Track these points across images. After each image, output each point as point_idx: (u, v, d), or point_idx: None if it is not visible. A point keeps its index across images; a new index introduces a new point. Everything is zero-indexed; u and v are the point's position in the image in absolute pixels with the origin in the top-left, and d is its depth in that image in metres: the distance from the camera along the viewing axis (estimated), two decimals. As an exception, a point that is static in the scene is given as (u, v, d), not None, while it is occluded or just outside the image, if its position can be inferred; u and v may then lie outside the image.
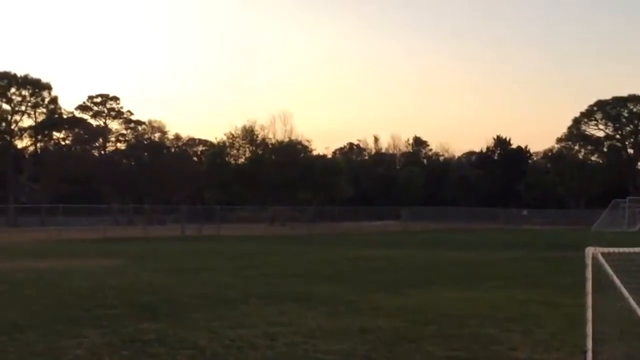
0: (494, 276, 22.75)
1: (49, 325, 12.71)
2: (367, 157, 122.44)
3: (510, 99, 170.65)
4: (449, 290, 18.47)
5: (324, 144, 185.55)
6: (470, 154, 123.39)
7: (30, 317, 13.68)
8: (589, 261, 7.48)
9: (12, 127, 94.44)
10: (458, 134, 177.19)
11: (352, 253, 34.03)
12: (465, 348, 10.87)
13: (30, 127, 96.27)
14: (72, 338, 11.44)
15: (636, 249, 8.36)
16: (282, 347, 10.95)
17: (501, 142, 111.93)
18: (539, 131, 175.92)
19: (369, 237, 50.73)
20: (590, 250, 7.52)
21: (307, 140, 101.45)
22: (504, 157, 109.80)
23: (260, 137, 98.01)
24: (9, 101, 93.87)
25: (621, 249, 8.05)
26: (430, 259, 30.22)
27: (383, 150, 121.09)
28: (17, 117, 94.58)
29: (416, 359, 10.13)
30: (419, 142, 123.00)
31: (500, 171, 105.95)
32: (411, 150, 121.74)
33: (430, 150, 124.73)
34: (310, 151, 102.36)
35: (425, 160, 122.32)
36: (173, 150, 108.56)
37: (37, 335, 11.73)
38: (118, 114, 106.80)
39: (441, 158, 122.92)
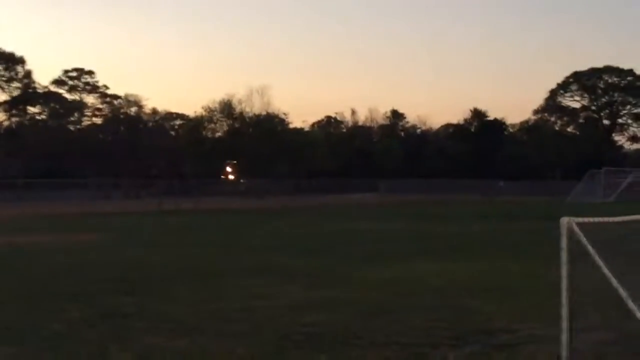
0: (472, 247, 22.90)
1: (27, 301, 12.70)
2: (344, 130, 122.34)
3: (487, 71, 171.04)
4: (429, 262, 18.58)
5: (301, 118, 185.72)
6: (448, 126, 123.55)
7: (7, 293, 13.66)
8: (564, 231, 7.55)
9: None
10: (436, 107, 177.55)
11: (331, 226, 34.10)
12: (444, 319, 10.97)
13: (4, 102, 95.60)
14: (51, 313, 11.45)
15: (610, 219, 8.44)
16: (262, 319, 11.01)
17: (478, 114, 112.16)
18: (515, 103, 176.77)
19: (348, 210, 50.83)
20: (565, 220, 7.59)
21: (284, 114, 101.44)
22: (481, 129, 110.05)
23: (237, 111, 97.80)
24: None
25: (595, 219, 8.13)
26: (410, 231, 30.34)
27: (360, 124, 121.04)
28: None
29: (396, 330, 10.21)
30: (396, 115, 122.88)
31: (477, 143, 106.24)
32: (388, 123, 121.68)
33: (408, 122, 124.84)
34: (288, 124, 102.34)
35: (402, 133, 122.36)
36: (150, 124, 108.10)
37: (15, 311, 11.74)
38: (94, 89, 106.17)
39: (419, 130, 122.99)
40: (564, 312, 7.62)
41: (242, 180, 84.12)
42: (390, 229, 31.81)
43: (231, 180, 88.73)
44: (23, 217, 41.01)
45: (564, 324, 7.61)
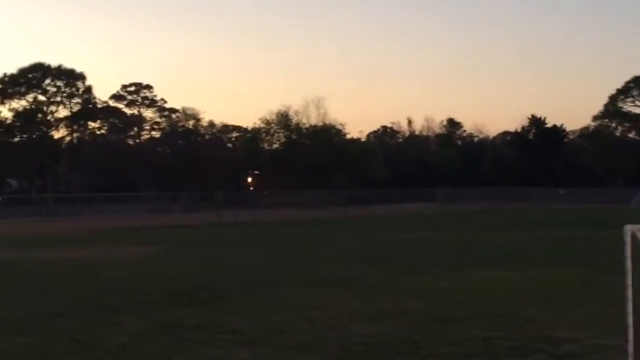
0: (531, 256, 22.67)
1: (90, 313, 12.86)
2: (401, 140, 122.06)
3: (545, 77, 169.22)
4: (485, 271, 18.42)
5: (357, 128, 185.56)
6: (505, 134, 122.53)
7: (71, 305, 13.85)
8: (627, 239, 7.41)
9: (49, 117, 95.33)
10: (492, 114, 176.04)
11: (387, 236, 34.01)
12: (502, 328, 10.85)
13: (65, 118, 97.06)
14: (113, 325, 11.57)
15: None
16: (320, 330, 10.99)
17: (536, 121, 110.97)
18: (574, 109, 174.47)
19: (404, 220, 50.65)
20: (628, 228, 7.45)
21: (341, 125, 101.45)
22: (539, 136, 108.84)
23: (294, 123, 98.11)
24: (44, 92, 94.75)
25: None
26: (466, 240, 30.12)
27: (417, 133, 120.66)
28: (52, 108, 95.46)
29: (454, 340, 10.12)
30: (453, 124, 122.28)
31: (536, 150, 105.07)
32: (445, 132, 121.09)
33: (465, 131, 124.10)
34: (344, 135, 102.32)
35: (459, 142, 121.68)
36: (207, 137, 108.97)
37: (79, 323, 11.87)
38: (152, 103, 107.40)
39: (475, 139, 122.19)
40: (630, 320, 7.48)
41: (264, 192, 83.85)
42: (446, 238, 31.62)
43: (252, 192, 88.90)
44: (84, 231, 41.58)
45: (631, 334, 7.47)
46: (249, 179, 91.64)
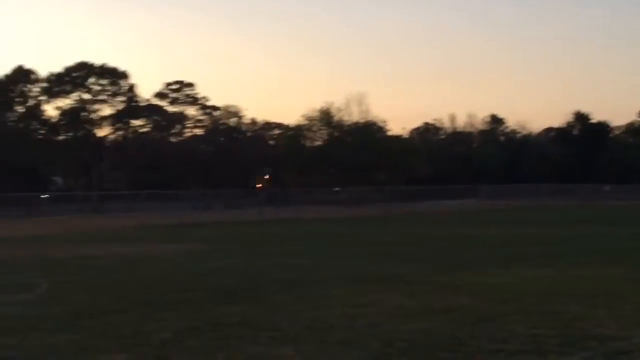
0: (575, 253, 22.44)
1: (135, 310, 12.94)
2: (443, 137, 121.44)
3: (590, 72, 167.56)
4: (529, 268, 18.27)
5: (400, 125, 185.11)
6: (549, 130, 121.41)
7: (116, 302, 13.95)
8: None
9: (92, 116, 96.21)
10: (536, 110, 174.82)
11: (429, 233, 33.87)
12: (548, 325, 10.74)
13: (109, 116, 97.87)
14: (158, 321, 11.63)
15: None
16: (363, 327, 10.95)
17: (581, 117, 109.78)
18: (619, 105, 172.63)
19: (447, 217, 50.39)
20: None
21: (383, 121, 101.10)
22: (584, 132, 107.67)
23: (336, 119, 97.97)
24: (88, 91, 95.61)
25: None
26: (510, 237, 29.90)
27: (459, 129, 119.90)
28: (96, 106, 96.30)
29: (500, 337, 10.03)
30: (495, 120, 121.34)
31: (580, 147, 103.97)
32: (488, 129, 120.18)
33: (507, 127, 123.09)
34: (386, 132, 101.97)
35: (502, 138, 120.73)
36: (249, 134, 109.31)
37: (124, 319, 11.95)
38: (194, 101, 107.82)
39: (518, 135, 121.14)
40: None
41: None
42: (489, 235, 31.42)
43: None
44: (127, 228, 41.90)
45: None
46: (266, 177, 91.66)
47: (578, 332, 10.26)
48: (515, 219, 44.37)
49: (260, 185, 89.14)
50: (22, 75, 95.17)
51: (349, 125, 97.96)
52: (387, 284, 15.75)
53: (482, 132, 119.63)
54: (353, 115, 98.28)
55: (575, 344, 9.58)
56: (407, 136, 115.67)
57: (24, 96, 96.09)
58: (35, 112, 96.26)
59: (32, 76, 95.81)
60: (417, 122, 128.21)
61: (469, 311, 12.17)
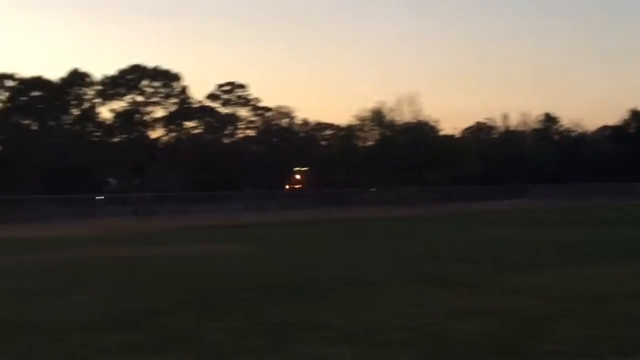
0: (631, 253, 22.11)
1: (190, 310, 13.05)
2: (496, 136, 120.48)
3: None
4: (584, 269, 18.06)
5: (452, 125, 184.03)
6: (604, 128, 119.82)
7: (171, 302, 14.08)
8: None
9: (146, 118, 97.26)
10: (590, 109, 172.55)
11: (483, 233, 33.64)
12: (605, 327, 10.60)
13: (162, 118, 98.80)
14: (212, 322, 11.71)
15: None
16: (419, 327, 10.92)
17: (637, 115, 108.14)
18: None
19: (500, 217, 49.99)
20: None
21: (435, 121, 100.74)
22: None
23: (388, 120, 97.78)
24: (142, 93, 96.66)
25: None
26: (564, 237, 29.58)
27: (512, 128, 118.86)
28: (150, 108, 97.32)
29: (556, 338, 9.94)
30: (549, 119, 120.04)
31: (637, 145, 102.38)
32: (541, 127, 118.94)
33: (562, 126, 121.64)
34: (438, 132, 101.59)
35: (556, 137, 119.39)
36: (301, 135, 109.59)
37: (178, 319, 12.07)
38: (246, 102, 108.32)
39: (573, 134, 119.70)
40: None
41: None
42: (544, 235, 31.10)
43: (298, 190, 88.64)
44: (181, 229, 42.25)
45: None
46: (297, 176, 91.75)
47: (636, 334, 10.13)
48: (570, 219, 43.88)
49: (291, 185, 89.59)
50: (77, 78, 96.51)
51: (401, 125, 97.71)
52: (441, 284, 15.68)
53: (535, 131, 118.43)
54: (405, 115, 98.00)
55: (634, 345, 9.45)
56: (459, 136, 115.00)
57: (79, 99, 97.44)
58: (90, 114, 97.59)
59: (87, 79, 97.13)
60: (470, 122, 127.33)
61: (524, 312, 12.07)
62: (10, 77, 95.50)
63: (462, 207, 63.21)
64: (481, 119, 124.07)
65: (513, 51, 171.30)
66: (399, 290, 14.90)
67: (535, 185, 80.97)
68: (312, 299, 14.11)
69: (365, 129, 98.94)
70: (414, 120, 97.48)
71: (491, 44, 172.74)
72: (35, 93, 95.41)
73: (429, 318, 11.66)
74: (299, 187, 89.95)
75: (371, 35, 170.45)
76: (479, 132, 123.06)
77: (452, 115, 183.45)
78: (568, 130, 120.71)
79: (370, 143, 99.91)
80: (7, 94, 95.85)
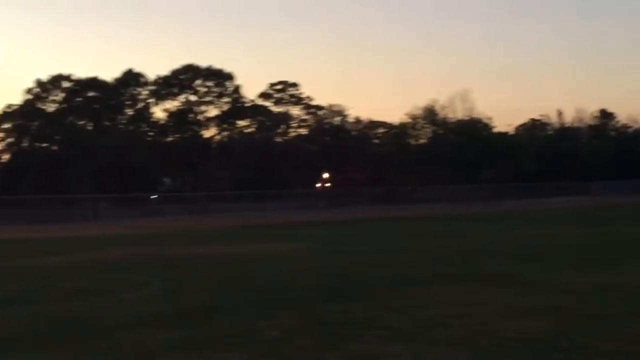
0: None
1: (242, 308, 13.04)
2: (551, 132, 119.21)
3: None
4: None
5: (505, 121, 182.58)
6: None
7: (225, 300, 14.10)
8: None
9: (199, 117, 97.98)
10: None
11: (538, 230, 33.25)
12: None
13: (215, 117, 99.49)
14: (266, 320, 11.69)
15: None
16: (472, 326, 10.78)
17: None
18: None
19: (555, 214, 49.42)
20: None
21: (488, 118, 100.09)
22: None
23: (440, 117, 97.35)
24: (195, 92, 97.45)
25: None
26: (622, 235, 29.06)
27: (567, 125, 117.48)
28: (203, 108, 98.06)
29: (618, 337, 9.72)
30: (605, 114, 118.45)
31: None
32: (597, 123, 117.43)
33: (618, 122, 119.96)
34: (492, 129, 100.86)
35: (613, 133, 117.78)
36: (354, 133, 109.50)
37: (234, 318, 12.06)
38: (298, 100, 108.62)
39: (630, 130, 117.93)
40: None
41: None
42: (601, 233, 30.62)
43: (327, 189, 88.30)
44: (234, 228, 42.46)
45: None
46: (325, 175, 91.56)
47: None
48: (629, 216, 43.20)
49: (320, 184, 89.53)
50: (131, 78, 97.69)
51: (454, 123, 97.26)
52: (496, 283, 15.48)
53: (591, 127, 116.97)
54: (457, 113, 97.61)
55: None
56: (513, 132, 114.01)
57: (134, 99, 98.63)
58: (144, 114, 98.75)
59: (141, 79, 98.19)
60: (524, 118, 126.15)
61: (580, 311, 11.85)
62: (66, 78, 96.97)
63: (517, 204, 62.56)
64: (535, 116, 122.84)
65: (566, 45, 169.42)
66: (451, 289, 14.73)
67: (592, 182, 79.81)
68: (365, 297, 14.01)
69: (418, 126, 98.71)
70: (467, 118, 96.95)
71: (546, 40, 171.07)
72: (91, 94, 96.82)
73: (484, 316, 11.51)
74: (328, 187, 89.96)
75: (423, 33, 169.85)
76: (534, 129, 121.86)
77: (505, 112, 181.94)
78: (625, 126, 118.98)
79: (422, 141, 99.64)
80: (63, 95, 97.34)
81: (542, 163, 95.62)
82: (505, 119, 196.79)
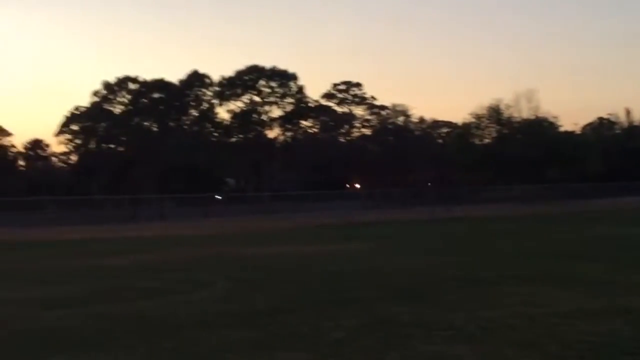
0: None
1: (309, 308, 13.06)
2: (618, 132, 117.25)
3: None
4: None
5: (572, 120, 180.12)
6: None
7: (290, 300, 14.12)
8: None
9: (263, 117, 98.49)
10: None
11: (606, 231, 32.69)
12: None
13: (279, 117, 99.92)
14: (330, 320, 11.68)
15: None
16: (540, 328, 10.64)
17: None
18: None
19: (624, 215, 48.55)
20: None
21: (554, 117, 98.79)
22: None
23: (505, 116, 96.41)
24: (259, 93, 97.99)
25: None
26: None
27: (635, 124, 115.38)
28: (266, 108, 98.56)
29: (688, 341, 9.53)
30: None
31: None
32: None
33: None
34: (558, 128, 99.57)
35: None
36: (417, 133, 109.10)
37: (299, 318, 12.07)
38: (362, 100, 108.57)
39: None
40: None
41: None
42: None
43: (356, 190, 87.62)
44: (298, 228, 42.55)
45: None
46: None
47: None
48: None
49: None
50: (196, 79, 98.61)
51: (519, 122, 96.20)
52: (562, 284, 15.26)
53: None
54: (523, 112, 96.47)
55: None
56: (579, 132, 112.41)
57: (198, 100, 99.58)
58: (208, 115, 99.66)
59: (206, 80, 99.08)
60: (590, 117, 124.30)
61: (652, 312, 11.64)
62: (132, 80, 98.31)
63: (584, 205, 61.63)
64: (603, 115, 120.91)
65: (636, 44, 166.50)
66: (518, 290, 14.56)
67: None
68: (429, 297, 13.93)
69: (482, 126, 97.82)
70: (532, 117, 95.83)
71: (613, 37, 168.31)
72: (156, 95, 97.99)
73: (550, 318, 11.35)
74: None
75: (488, 32, 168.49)
76: (601, 128, 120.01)
77: (572, 111, 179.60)
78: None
79: (487, 140, 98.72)
80: (129, 96, 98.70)
81: (609, 162, 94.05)
82: (571, 118, 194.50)
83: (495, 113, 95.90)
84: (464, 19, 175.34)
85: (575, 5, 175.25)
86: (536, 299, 13.25)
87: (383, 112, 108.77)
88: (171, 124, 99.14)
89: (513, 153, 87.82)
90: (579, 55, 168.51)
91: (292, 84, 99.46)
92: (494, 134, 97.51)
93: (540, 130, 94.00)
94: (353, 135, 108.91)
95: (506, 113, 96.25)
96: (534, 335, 10.12)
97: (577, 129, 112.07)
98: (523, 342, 9.75)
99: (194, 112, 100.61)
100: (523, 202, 68.50)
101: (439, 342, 9.89)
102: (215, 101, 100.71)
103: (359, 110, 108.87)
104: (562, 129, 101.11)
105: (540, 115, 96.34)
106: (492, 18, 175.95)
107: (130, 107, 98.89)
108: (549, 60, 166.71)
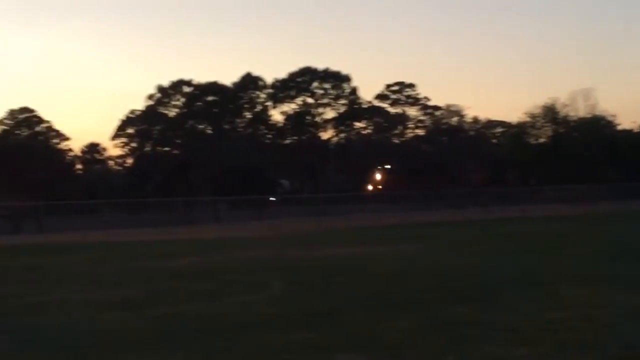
0: None
1: (366, 310, 13.03)
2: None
3: None
4: None
5: (630, 119, 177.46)
6: None
7: (347, 302, 14.11)
8: None
9: (317, 119, 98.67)
10: None
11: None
12: None
13: (332, 119, 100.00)
14: (389, 321, 11.65)
15: None
16: (600, 329, 10.51)
17: None
18: None
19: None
20: None
21: (612, 116, 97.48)
22: None
23: (561, 115, 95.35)
24: (312, 95, 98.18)
25: None
26: None
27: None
28: (320, 110, 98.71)
29: None
30: None
31: None
32: None
33: None
34: (616, 126, 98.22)
35: None
36: (471, 133, 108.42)
37: (356, 319, 12.06)
38: (415, 101, 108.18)
39: None
40: None
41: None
42: None
43: (379, 190, 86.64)
44: (352, 230, 42.54)
45: None
46: (377, 176, 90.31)
47: None
48: None
49: (373, 187, 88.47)
50: (250, 82, 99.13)
51: (575, 121, 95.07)
52: (623, 284, 15.02)
53: None
54: (579, 111, 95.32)
55: None
56: (638, 130, 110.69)
57: (252, 102, 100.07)
58: (262, 117, 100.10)
59: (259, 83, 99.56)
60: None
61: None
62: (187, 83, 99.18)
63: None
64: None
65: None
66: (577, 291, 14.39)
67: None
68: (488, 298, 13.83)
69: (537, 125, 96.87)
70: (589, 116, 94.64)
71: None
72: (210, 98, 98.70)
73: (612, 319, 11.20)
74: (380, 188, 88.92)
75: (542, 32, 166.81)
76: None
77: (630, 109, 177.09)
78: None
79: (542, 140, 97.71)
80: (183, 99, 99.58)
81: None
82: (630, 116, 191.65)
83: (550, 112, 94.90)
84: (519, 17, 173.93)
85: (636, 4, 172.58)
86: (596, 300, 13.09)
87: (437, 113, 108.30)
88: (225, 126, 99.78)
89: (570, 152, 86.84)
90: (639, 53, 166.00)
91: (345, 85, 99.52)
92: (550, 133, 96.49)
93: (597, 128, 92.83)
94: (407, 136, 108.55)
95: (562, 112, 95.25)
96: (595, 336, 9.99)
97: (635, 127, 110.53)
98: (584, 343, 9.63)
99: (248, 115, 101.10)
100: (581, 201, 67.63)
101: (499, 343, 9.81)
102: (268, 103, 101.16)
103: (412, 111, 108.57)
104: (620, 128, 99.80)
105: (597, 113, 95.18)
106: (550, 17, 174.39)
107: (184, 110, 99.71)
108: (607, 59, 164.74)
